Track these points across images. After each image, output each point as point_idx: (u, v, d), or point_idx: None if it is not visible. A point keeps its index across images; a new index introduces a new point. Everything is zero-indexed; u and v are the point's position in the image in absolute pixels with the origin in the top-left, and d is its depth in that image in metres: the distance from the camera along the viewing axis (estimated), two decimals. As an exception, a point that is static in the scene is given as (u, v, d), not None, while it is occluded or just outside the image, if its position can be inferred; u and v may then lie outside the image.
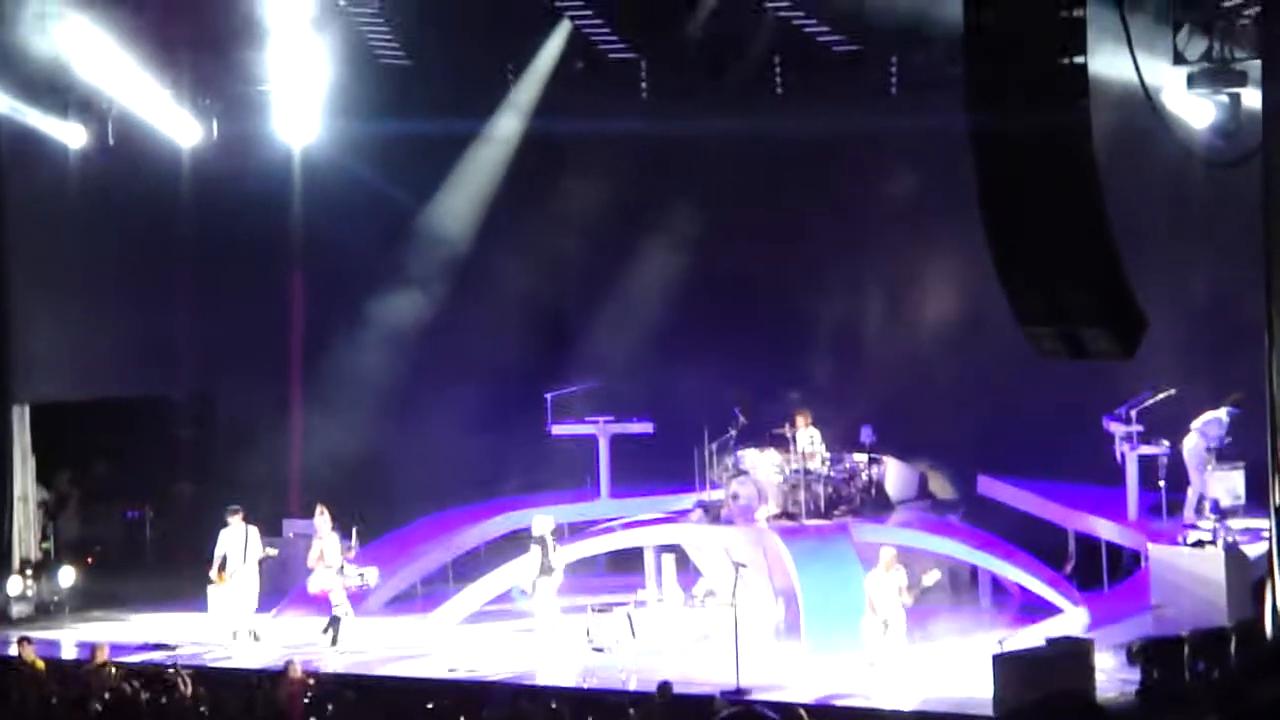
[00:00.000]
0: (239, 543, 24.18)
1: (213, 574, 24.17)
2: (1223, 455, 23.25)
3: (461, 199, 28.53)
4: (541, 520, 23.66)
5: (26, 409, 27.51)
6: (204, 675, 21.04)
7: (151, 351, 28.63)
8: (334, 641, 23.36)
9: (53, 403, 27.58)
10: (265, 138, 27.21)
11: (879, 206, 26.93)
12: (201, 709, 18.87)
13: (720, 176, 27.70)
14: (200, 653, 23.33)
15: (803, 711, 15.49)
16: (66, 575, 26.92)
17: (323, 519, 24.11)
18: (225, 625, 24.07)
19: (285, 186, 27.90)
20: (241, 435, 28.28)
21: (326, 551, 23.86)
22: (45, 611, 26.37)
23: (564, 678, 21.44)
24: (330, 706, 18.73)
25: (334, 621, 23.58)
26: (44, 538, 27.88)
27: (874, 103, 25.58)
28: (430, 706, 19.32)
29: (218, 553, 24.19)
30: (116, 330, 28.00)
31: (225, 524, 24.29)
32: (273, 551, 24.45)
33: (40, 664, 21.08)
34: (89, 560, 27.53)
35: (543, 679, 21.29)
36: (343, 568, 23.78)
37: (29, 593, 26.47)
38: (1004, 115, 14.53)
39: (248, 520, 24.37)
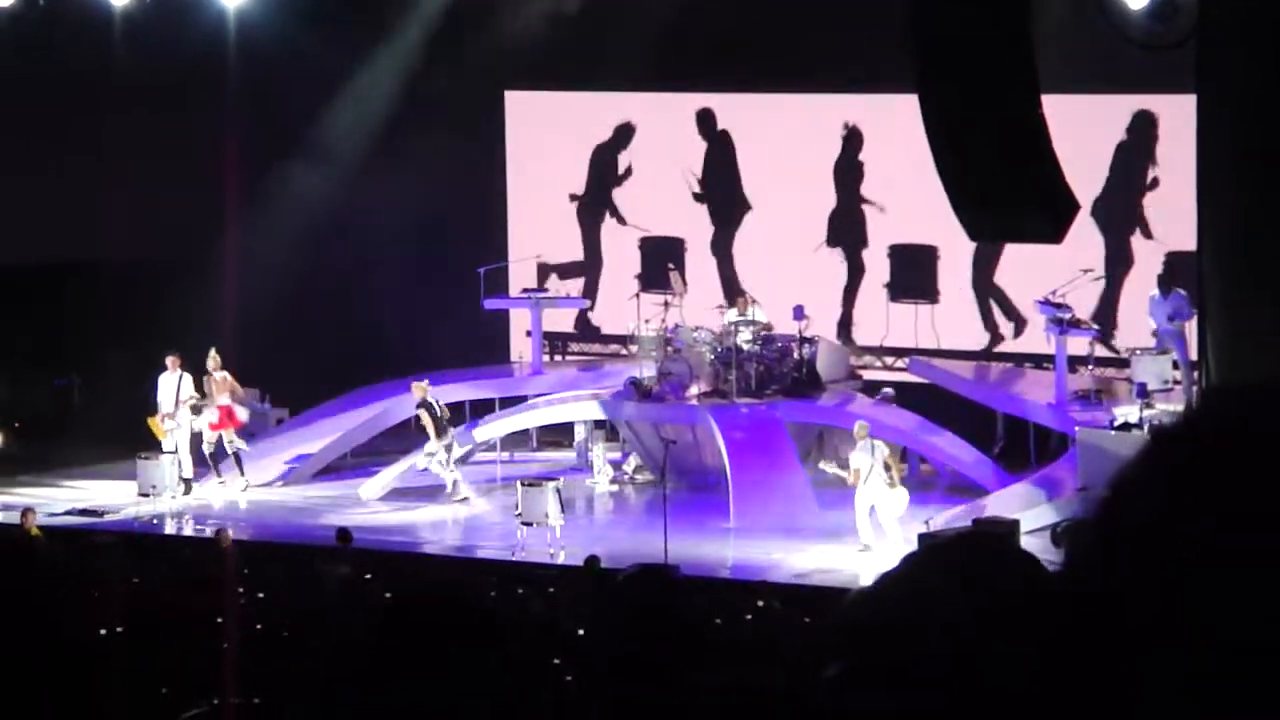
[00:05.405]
0: (171, 390, 24.33)
1: (152, 421, 24.44)
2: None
3: (392, 63, 28.09)
4: (418, 385, 23.79)
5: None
6: (132, 542, 21.01)
7: (81, 215, 28.30)
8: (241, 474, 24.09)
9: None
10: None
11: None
12: (134, 579, 18.84)
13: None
14: (129, 520, 23.29)
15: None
16: (-8, 440, 26.79)
17: (213, 361, 24.39)
18: (158, 476, 24.19)
19: (219, 47, 27.52)
20: (172, 302, 28.02)
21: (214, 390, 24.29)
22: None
23: (492, 550, 21.51)
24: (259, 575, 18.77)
25: (236, 458, 24.26)
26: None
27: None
28: (368, 577, 19.36)
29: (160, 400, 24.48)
30: (44, 193, 27.67)
31: (164, 368, 24.47)
32: (195, 400, 24.58)
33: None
34: (15, 426, 27.34)
35: (473, 551, 21.38)
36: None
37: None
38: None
39: (184, 368, 24.48)
